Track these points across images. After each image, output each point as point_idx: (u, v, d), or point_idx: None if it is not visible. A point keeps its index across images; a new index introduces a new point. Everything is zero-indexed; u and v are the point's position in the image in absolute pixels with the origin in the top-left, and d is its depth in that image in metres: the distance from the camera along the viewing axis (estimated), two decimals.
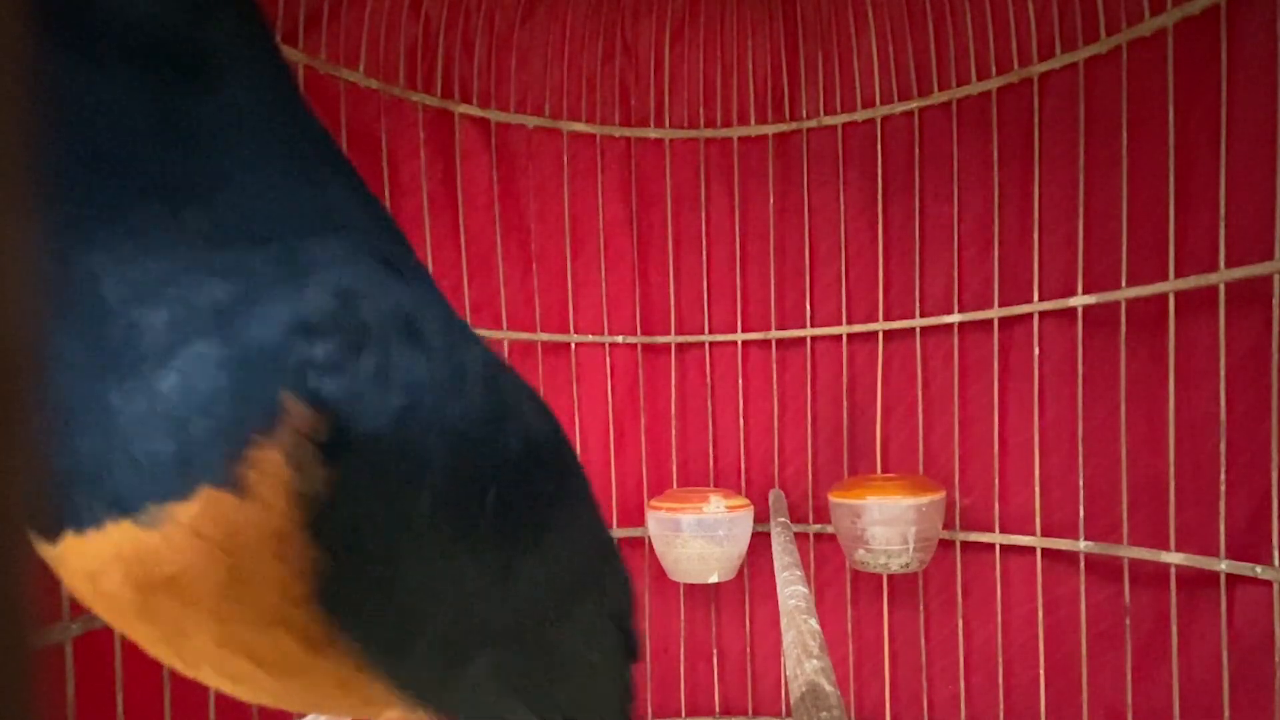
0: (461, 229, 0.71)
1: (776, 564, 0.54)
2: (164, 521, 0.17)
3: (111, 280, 0.17)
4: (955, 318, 0.72)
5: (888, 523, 0.66)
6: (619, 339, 0.78)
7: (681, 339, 0.79)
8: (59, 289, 0.17)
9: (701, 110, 0.79)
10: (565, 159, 0.77)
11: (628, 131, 0.78)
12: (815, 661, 0.34)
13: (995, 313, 0.69)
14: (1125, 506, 0.62)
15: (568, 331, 0.77)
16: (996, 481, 0.70)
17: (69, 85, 0.17)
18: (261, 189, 0.19)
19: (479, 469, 0.20)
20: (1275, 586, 0.53)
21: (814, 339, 0.78)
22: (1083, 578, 0.65)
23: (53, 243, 0.17)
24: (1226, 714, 0.56)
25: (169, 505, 0.17)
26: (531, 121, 0.75)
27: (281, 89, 0.21)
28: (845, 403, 0.77)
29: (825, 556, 0.78)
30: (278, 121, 0.20)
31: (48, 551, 0.18)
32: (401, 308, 0.20)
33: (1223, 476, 0.56)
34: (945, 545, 0.72)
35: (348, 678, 0.20)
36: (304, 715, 0.30)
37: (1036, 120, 0.67)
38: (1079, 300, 0.64)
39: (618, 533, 0.78)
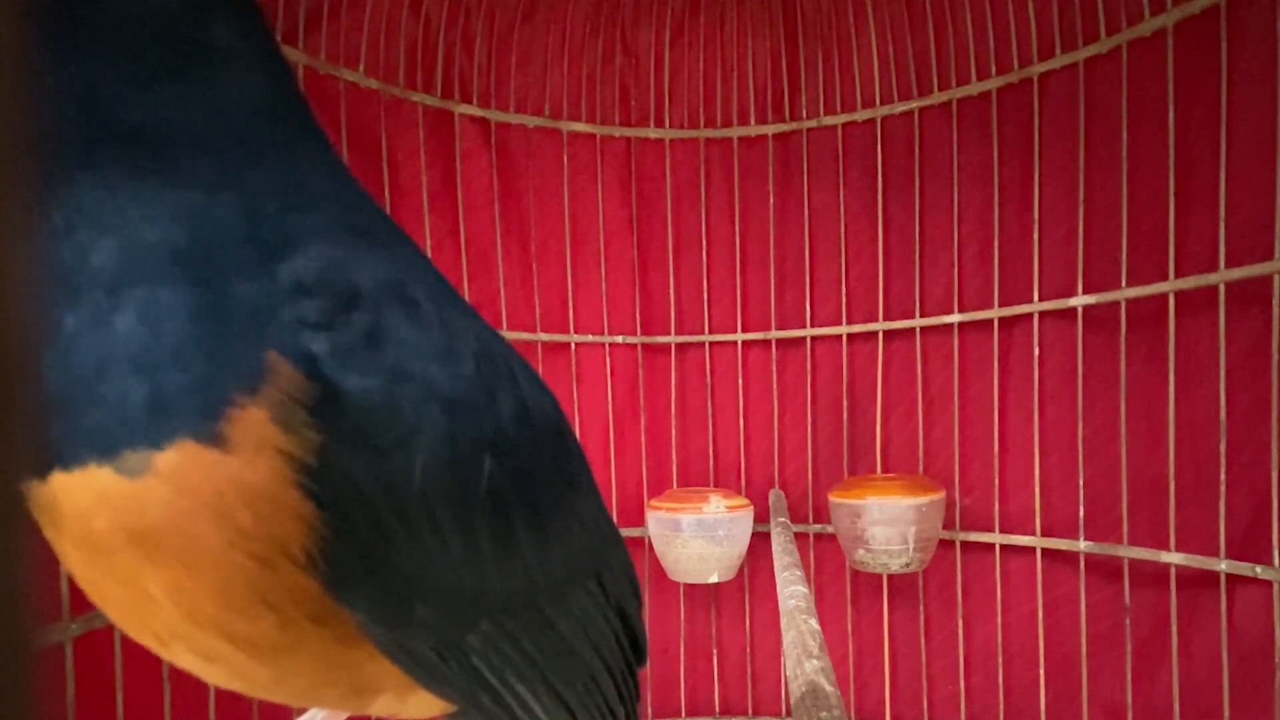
0: (461, 229, 0.71)
1: (776, 564, 0.54)
2: (145, 471, 0.17)
3: (63, 205, 0.17)
4: (955, 318, 0.72)
5: (888, 523, 0.66)
6: (619, 339, 0.78)
7: (681, 339, 0.79)
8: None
9: (701, 110, 0.79)
10: (565, 159, 0.77)
11: (628, 131, 0.78)
12: (815, 661, 0.34)
13: (995, 313, 0.69)
14: (1125, 506, 0.62)
15: (568, 331, 0.77)
16: (996, 481, 0.70)
17: (63, 62, 0.17)
18: (239, 159, 0.19)
19: (471, 433, 0.20)
20: (1275, 586, 0.53)
21: (814, 339, 0.78)
22: (1083, 578, 0.65)
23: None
24: (1226, 714, 0.56)
25: (147, 454, 0.17)
26: (531, 121, 0.75)
27: (272, 74, 0.21)
28: (845, 403, 0.77)
29: (825, 556, 0.78)
30: (264, 104, 0.20)
31: (41, 492, 0.18)
32: (390, 274, 0.20)
33: (1223, 476, 0.56)
34: (945, 545, 0.72)
35: (333, 660, 0.19)
36: (304, 712, 0.30)
37: (1036, 120, 0.67)
38: (1079, 300, 0.64)
39: None
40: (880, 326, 0.75)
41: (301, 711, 0.29)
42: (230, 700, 0.52)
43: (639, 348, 0.79)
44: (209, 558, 0.17)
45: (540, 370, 0.76)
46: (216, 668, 0.20)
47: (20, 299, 0.07)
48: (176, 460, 0.17)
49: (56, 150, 0.17)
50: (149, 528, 0.17)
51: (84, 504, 0.17)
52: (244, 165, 0.19)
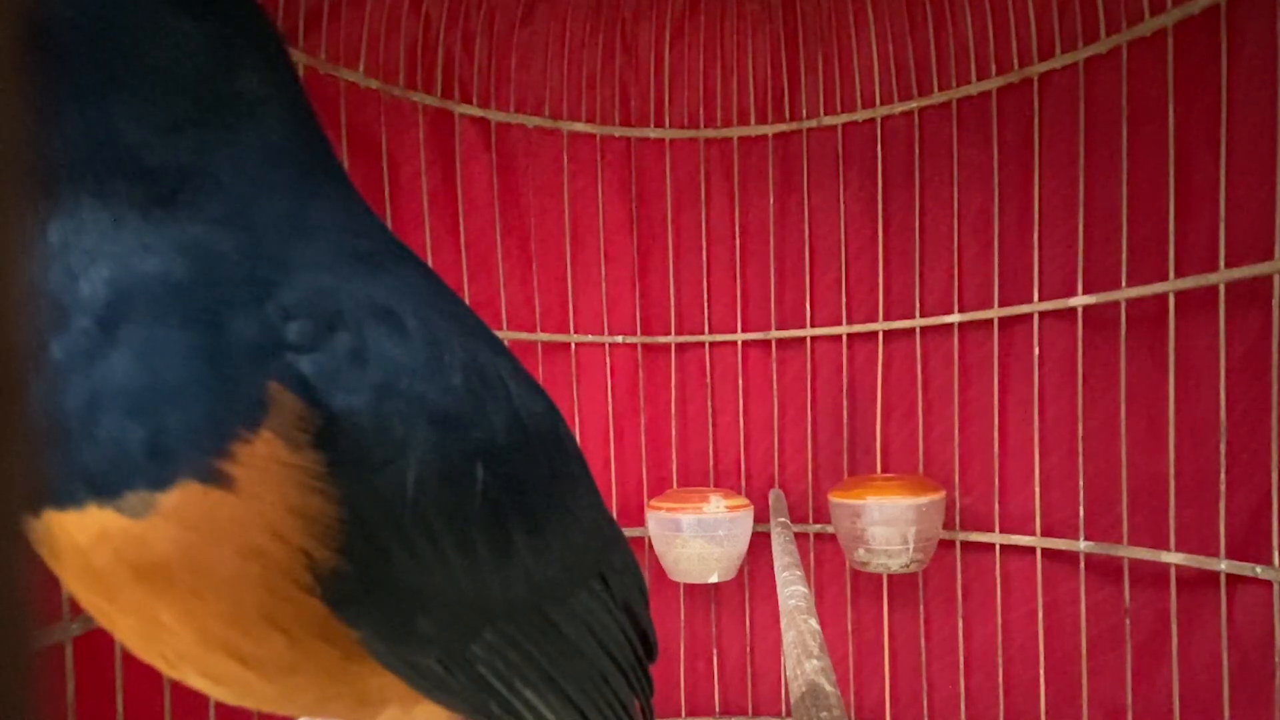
0: (461, 229, 0.71)
1: (776, 564, 0.54)
2: (148, 512, 0.17)
3: (61, 227, 0.17)
4: (955, 318, 0.72)
5: (888, 523, 0.66)
6: (619, 339, 0.78)
7: (681, 339, 0.79)
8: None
9: (701, 110, 0.79)
10: (565, 159, 0.77)
11: (628, 131, 0.78)
12: (815, 661, 0.34)
13: (995, 313, 0.69)
14: (1125, 506, 0.62)
15: (568, 331, 0.77)
16: (996, 481, 0.70)
17: (87, 104, 0.17)
18: (248, 197, 0.19)
19: (461, 444, 0.20)
20: (1275, 586, 0.53)
21: (814, 339, 0.78)
22: (1083, 578, 0.65)
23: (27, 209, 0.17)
24: (1226, 714, 0.56)
25: (150, 496, 0.17)
26: (531, 121, 0.75)
27: (295, 118, 0.21)
28: (845, 403, 0.77)
29: (825, 556, 0.78)
30: (282, 147, 0.20)
31: (35, 527, 0.18)
32: (375, 296, 0.20)
33: (1223, 476, 0.56)
34: (945, 545, 0.72)
35: (339, 675, 0.20)
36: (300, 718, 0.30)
37: (1036, 120, 0.67)
38: (1079, 300, 0.64)
39: None
40: (880, 326, 0.75)
41: None
42: None
43: (639, 348, 0.79)
44: (217, 588, 0.17)
45: (540, 370, 0.76)
46: (224, 687, 0.20)
47: (18, 301, 0.07)
48: (181, 500, 0.17)
49: (64, 174, 0.17)
50: (155, 564, 0.17)
51: (84, 541, 0.17)
52: (251, 203, 0.19)
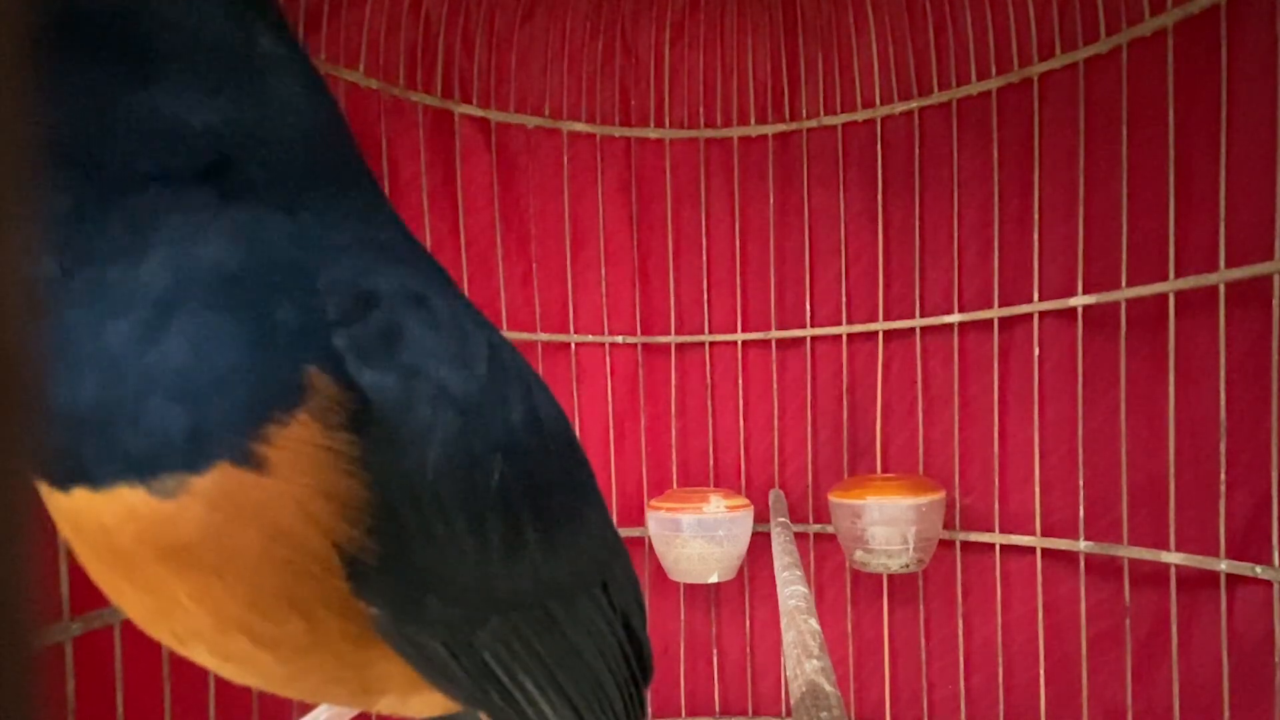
0: (461, 229, 0.71)
1: (776, 564, 0.54)
2: (179, 492, 0.17)
3: (115, 211, 0.17)
4: (955, 318, 0.72)
5: (888, 523, 0.66)
6: (619, 339, 0.78)
7: (681, 339, 0.79)
8: (67, 221, 0.17)
9: (701, 110, 0.79)
10: (565, 159, 0.77)
11: (628, 131, 0.78)
12: (815, 661, 0.34)
13: (995, 313, 0.69)
14: (1125, 506, 0.62)
15: (568, 331, 0.77)
16: (996, 481, 0.70)
17: (124, 87, 0.17)
18: (292, 179, 0.20)
19: (483, 432, 0.21)
20: (1275, 586, 0.53)
21: (814, 339, 0.78)
22: (1083, 578, 0.65)
23: (70, 183, 0.17)
24: (1226, 714, 0.56)
25: (184, 477, 0.17)
26: (531, 121, 0.75)
27: (316, 91, 0.21)
28: (845, 403, 0.77)
29: (825, 556, 0.78)
30: (315, 123, 0.21)
31: (58, 501, 0.18)
32: (407, 282, 0.20)
33: (1223, 476, 0.56)
34: (945, 545, 0.72)
35: (347, 659, 0.20)
36: (306, 709, 0.30)
37: (1036, 120, 0.67)
38: (1079, 300, 0.64)
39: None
40: (880, 326, 0.75)
41: (303, 709, 0.29)
42: (230, 699, 0.52)
43: (639, 348, 0.79)
44: (242, 569, 0.17)
45: (540, 370, 0.76)
46: (234, 666, 0.20)
47: (20, 301, 0.07)
48: (214, 482, 0.17)
49: (117, 163, 0.17)
50: (181, 544, 0.17)
51: (110, 520, 0.17)
52: (293, 191, 0.19)
